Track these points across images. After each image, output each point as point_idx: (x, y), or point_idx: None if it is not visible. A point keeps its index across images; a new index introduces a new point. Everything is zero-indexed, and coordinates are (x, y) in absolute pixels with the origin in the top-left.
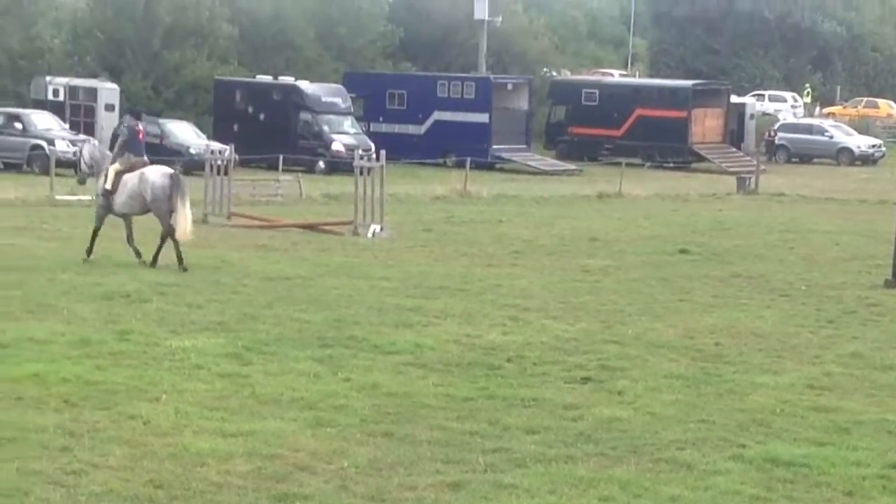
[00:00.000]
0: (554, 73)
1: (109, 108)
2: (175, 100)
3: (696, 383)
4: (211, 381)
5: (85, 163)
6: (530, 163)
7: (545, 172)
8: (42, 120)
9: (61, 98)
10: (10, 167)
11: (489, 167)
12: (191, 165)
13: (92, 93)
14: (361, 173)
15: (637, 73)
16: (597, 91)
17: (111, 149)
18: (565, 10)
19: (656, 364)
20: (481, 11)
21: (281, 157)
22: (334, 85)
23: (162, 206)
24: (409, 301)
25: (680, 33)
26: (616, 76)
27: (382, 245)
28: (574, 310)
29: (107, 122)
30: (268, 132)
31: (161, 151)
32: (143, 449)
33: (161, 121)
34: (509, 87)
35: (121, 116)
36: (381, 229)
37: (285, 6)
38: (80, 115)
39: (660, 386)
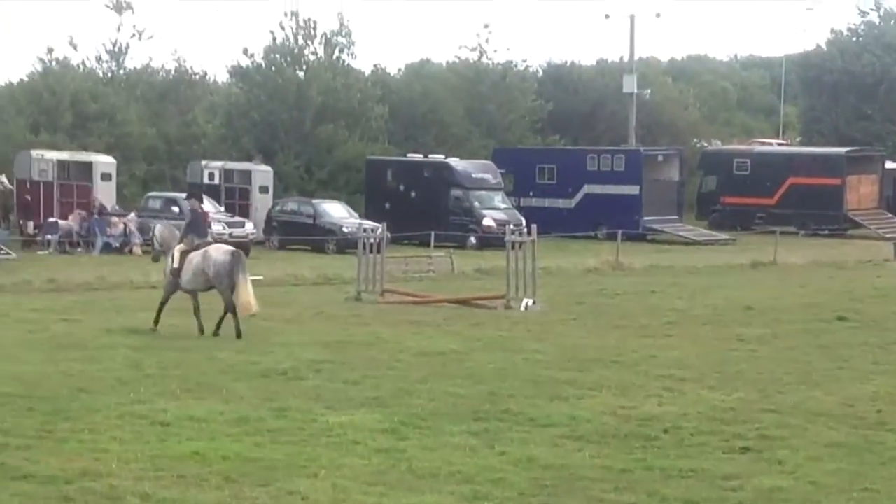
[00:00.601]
0: (704, 144)
1: (264, 189)
2: (327, 180)
3: (858, 452)
4: (368, 457)
5: (157, 242)
6: (682, 233)
7: (697, 243)
8: None
9: (217, 181)
10: None
11: (641, 238)
12: (343, 244)
13: (246, 175)
14: (513, 248)
15: (791, 141)
16: (748, 160)
17: None
18: (715, 80)
19: (816, 433)
20: (630, 84)
21: (433, 233)
22: (484, 161)
23: (223, 281)
24: (564, 373)
25: (832, 100)
26: (774, 145)
27: (535, 318)
28: (730, 379)
29: (261, 203)
30: (419, 209)
31: (314, 231)
32: None
33: (314, 201)
34: (660, 158)
35: (274, 198)
36: (534, 303)
37: (435, 84)
38: (235, 198)
39: (821, 455)
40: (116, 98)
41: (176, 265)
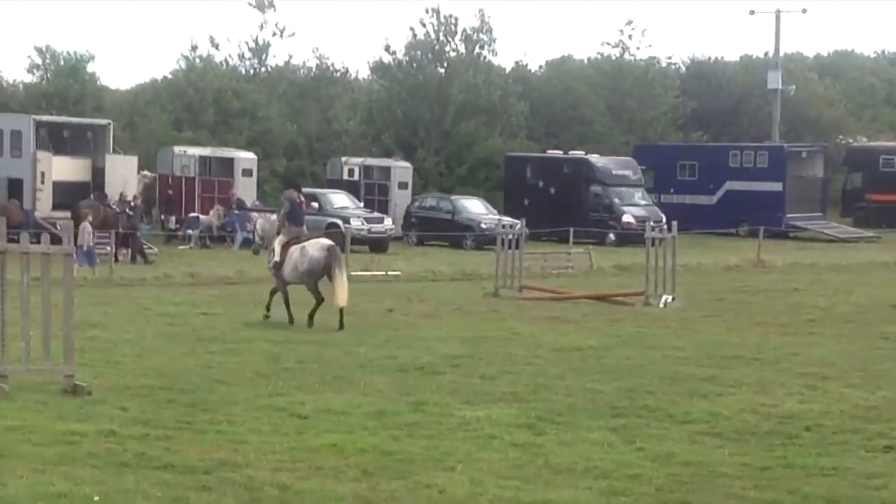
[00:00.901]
0: (850, 140)
1: (403, 186)
2: (466, 176)
3: None
4: (504, 451)
5: (258, 236)
6: (826, 231)
7: (841, 240)
8: (338, 199)
9: (356, 177)
10: None
11: (783, 236)
12: (482, 240)
13: (386, 171)
14: (653, 244)
15: None
16: (895, 157)
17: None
18: (862, 76)
19: None
20: (775, 81)
21: (571, 230)
22: (625, 157)
23: (312, 277)
24: (703, 370)
25: None
26: None
27: (674, 315)
28: (874, 378)
29: (400, 199)
30: (558, 206)
31: (452, 227)
32: None
33: (453, 197)
34: (804, 155)
35: (413, 194)
36: (673, 299)
37: (576, 81)
38: (374, 194)
39: None
40: (258, 95)
41: (277, 258)
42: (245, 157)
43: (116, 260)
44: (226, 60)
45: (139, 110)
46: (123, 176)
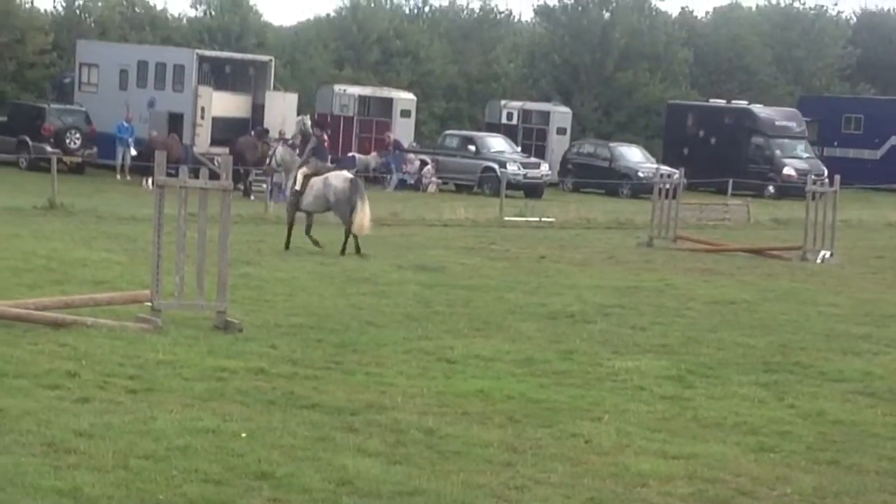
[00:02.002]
0: None
1: (561, 131)
2: (626, 123)
3: None
4: (653, 403)
5: (276, 161)
6: None
7: None
8: (495, 143)
9: (514, 121)
10: (463, 188)
11: None
12: (638, 189)
13: (544, 116)
14: (813, 198)
15: None
16: None
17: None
18: None
19: None
20: None
21: (730, 181)
22: (789, 109)
23: (343, 207)
24: (859, 328)
25: None
26: None
27: (832, 271)
28: None
29: (557, 145)
30: (718, 156)
31: (609, 174)
32: (584, 467)
33: (611, 144)
34: None
35: (571, 140)
36: (831, 255)
37: (743, 29)
38: (531, 139)
39: None
40: (421, 35)
41: (298, 187)
42: (404, 98)
43: (271, 197)
44: (391, 0)
45: (301, 47)
46: (283, 113)
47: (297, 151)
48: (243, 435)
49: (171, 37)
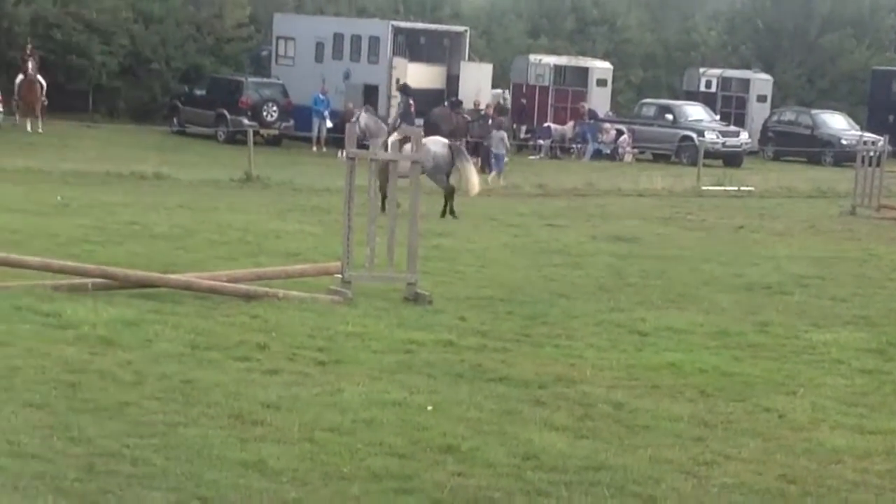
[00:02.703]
0: None
1: (761, 99)
2: (829, 90)
3: None
4: (850, 377)
5: (360, 129)
6: None
7: None
8: (693, 111)
9: (713, 89)
10: (660, 157)
11: None
12: (841, 156)
13: (744, 84)
14: None
15: None
16: None
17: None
18: None
19: None
20: None
21: None
22: None
23: (441, 171)
24: None
25: None
26: None
27: None
28: None
29: (758, 113)
30: None
31: (811, 142)
32: (776, 442)
33: (813, 111)
34: None
35: (772, 108)
36: None
37: None
38: (731, 107)
39: None
40: (618, 3)
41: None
42: (600, 67)
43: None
44: None
45: (496, 17)
46: (478, 84)
47: (491, 123)
48: (429, 408)
49: (367, 8)
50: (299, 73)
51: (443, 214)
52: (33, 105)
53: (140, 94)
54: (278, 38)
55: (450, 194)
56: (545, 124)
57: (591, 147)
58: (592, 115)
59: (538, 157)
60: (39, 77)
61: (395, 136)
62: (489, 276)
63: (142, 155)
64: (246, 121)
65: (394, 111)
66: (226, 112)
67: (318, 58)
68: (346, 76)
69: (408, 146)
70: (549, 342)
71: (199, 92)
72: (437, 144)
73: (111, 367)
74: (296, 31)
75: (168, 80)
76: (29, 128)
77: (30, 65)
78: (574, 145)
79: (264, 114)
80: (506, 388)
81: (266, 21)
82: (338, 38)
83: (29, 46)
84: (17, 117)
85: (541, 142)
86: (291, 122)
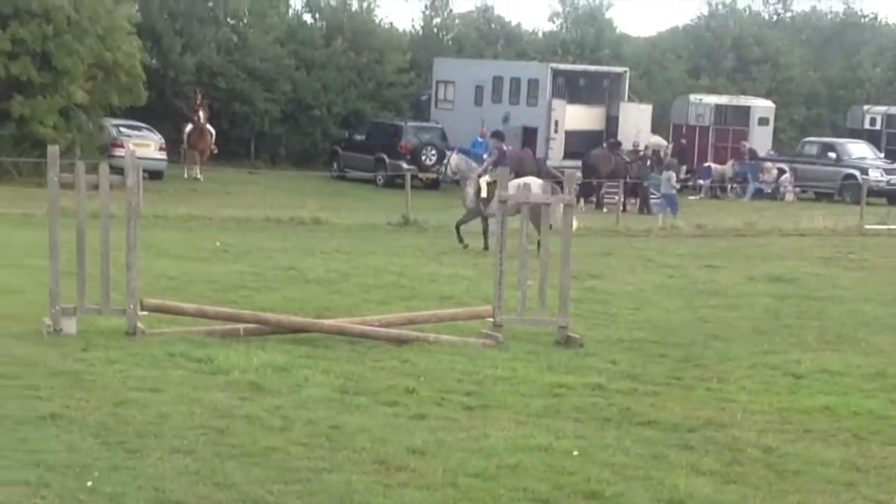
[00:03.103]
0: None
1: None
2: None
3: None
4: None
5: (451, 170)
6: None
7: None
8: (857, 149)
9: (878, 127)
10: (822, 196)
11: None
12: None
13: None
14: None
15: None
16: None
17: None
18: None
19: None
20: None
21: None
22: None
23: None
24: None
25: None
26: None
27: None
28: None
29: None
30: None
31: None
32: None
33: None
34: None
35: None
36: None
37: None
38: None
39: None
40: (780, 41)
41: (484, 195)
42: (762, 106)
43: (624, 209)
44: (748, 6)
45: (656, 58)
46: (637, 124)
47: (648, 164)
48: (575, 453)
49: (526, 51)
50: (458, 117)
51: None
52: (203, 153)
53: (301, 139)
54: (438, 82)
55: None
56: (705, 164)
57: (751, 186)
58: (753, 154)
59: (698, 197)
60: (209, 126)
61: (486, 178)
62: (643, 317)
63: (301, 200)
64: (405, 164)
65: (553, 152)
66: (385, 156)
67: (478, 101)
68: (506, 119)
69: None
70: (701, 385)
71: (358, 137)
72: (535, 184)
73: (259, 413)
74: (455, 75)
75: (328, 125)
76: (186, 175)
77: (201, 114)
78: (732, 185)
79: (423, 157)
80: (654, 433)
81: (426, 66)
82: (497, 81)
83: (199, 96)
84: (186, 166)
85: (701, 182)
86: None
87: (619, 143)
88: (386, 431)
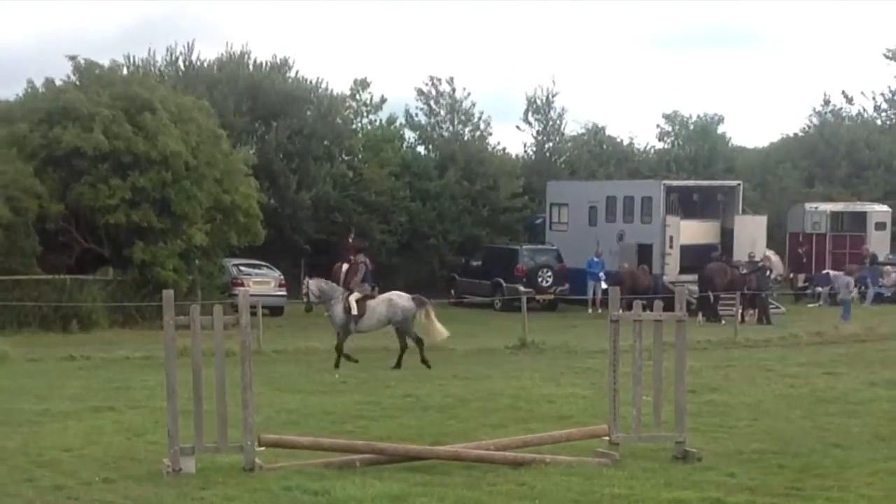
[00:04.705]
0: None
1: None
2: None
3: None
4: None
5: (314, 295)
6: None
7: None
8: None
9: None
10: None
11: None
12: None
13: None
14: None
15: None
16: None
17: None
18: None
19: None
20: None
21: None
22: None
23: (409, 323)
24: None
25: None
26: None
27: None
28: None
29: None
30: None
31: None
32: None
33: None
34: None
35: None
36: None
37: None
38: None
39: None
40: (893, 146)
41: (355, 312)
42: (878, 210)
43: (743, 321)
44: (860, 113)
45: (770, 168)
46: (752, 236)
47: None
48: None
49: (638, 169)
50: (573, 237)
51: (422, 360)
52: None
53: (418, 268)
54: (552, 204)
55: (419, 343)
56: (823, 271)
57: (871, 291)
58: (873, 259)
59: (817, 304)
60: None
61: (356, 295)
62: (761, 428)
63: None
64: (521, 287)
65: (669, 268)
66: (502, 280)
67: (592, 221)
68: (620, 237)
69: (373, 302)
70: (821, 495)
71: (475, 262)
72: (403, 299)
73: None
74: (569, 196)
75: (445, 253)
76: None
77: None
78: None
79: (539, 279)
80: None
81: (540, 189)
82: (610, 200)
83: (353, 234)
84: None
85: (819, 289)
86: (566, 286)
87: (722, 255)
88: None
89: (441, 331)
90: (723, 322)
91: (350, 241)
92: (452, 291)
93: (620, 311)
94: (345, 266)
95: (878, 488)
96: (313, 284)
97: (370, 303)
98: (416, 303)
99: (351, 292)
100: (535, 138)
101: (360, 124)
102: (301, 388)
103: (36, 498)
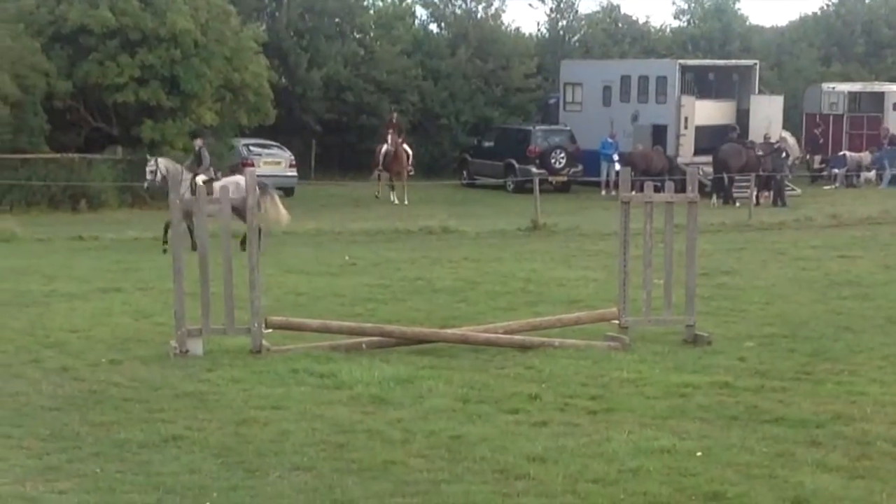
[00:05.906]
0: None
1: None
2: None
3: None
4: None
5: (161, 175)
6: None
7: None
8: None
9: None
10: None
11: None
12: None
13: None
14: None
15: None
16: None
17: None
18: None
19: None
20: None
21: None
22: None
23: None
24: None
25: None
26: None
27: None
28: None
29: None
30: None
31: None
32: None
33: None
34: None
35: None
36: None
37: None
38: None
39: None
40: None
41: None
42: None
43: (758, 203)
44: None
45: (786, 48)
46: (768, 117)
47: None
48: (698, 454)
49: (654, 48)
50: (587, 118)
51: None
52: (399, 175)
53: (430, 149)
54: (566, 84)
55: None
56: (840, 153)
57: (888, 173)
58: (892, 140)
59: (833, 186)
60: (406, 146)
61: (202, 177)
62: (773, 312)
63: (430, 210)
64: (534, 169)
65: (683, 149)
66: (514, 162)
67: (606, 101)
68: (635, 118)
69: (220, 184)
70: (831, 379)
71: (487, 144)
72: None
73: (380, 426)
74: (583, 76)
75: (457, 133)
76: (377, 196)
77: (390, 136)
78: (859, 174)
79: (552, 161)
80: (780, 430)
81: (553, 69)
82: (625, 80)
83: (394, 115)
84: (378, 189)
85: (836, 171)
86: (580, 168)
87: (739, 134)
88: (507, 440)
89: (283, 216)
90: (737, 204)
91: (393, 120)
92: (465, 173)
93: (632, 192)
94: (384, 147)
95: (888, 372)
96: (163, 164)
97: (216, 184)
98: (262, 185)
99: (196, 175)
100: (549, 16)
101: (371, 1)
102: (311, 270)
103: (42, 379)
